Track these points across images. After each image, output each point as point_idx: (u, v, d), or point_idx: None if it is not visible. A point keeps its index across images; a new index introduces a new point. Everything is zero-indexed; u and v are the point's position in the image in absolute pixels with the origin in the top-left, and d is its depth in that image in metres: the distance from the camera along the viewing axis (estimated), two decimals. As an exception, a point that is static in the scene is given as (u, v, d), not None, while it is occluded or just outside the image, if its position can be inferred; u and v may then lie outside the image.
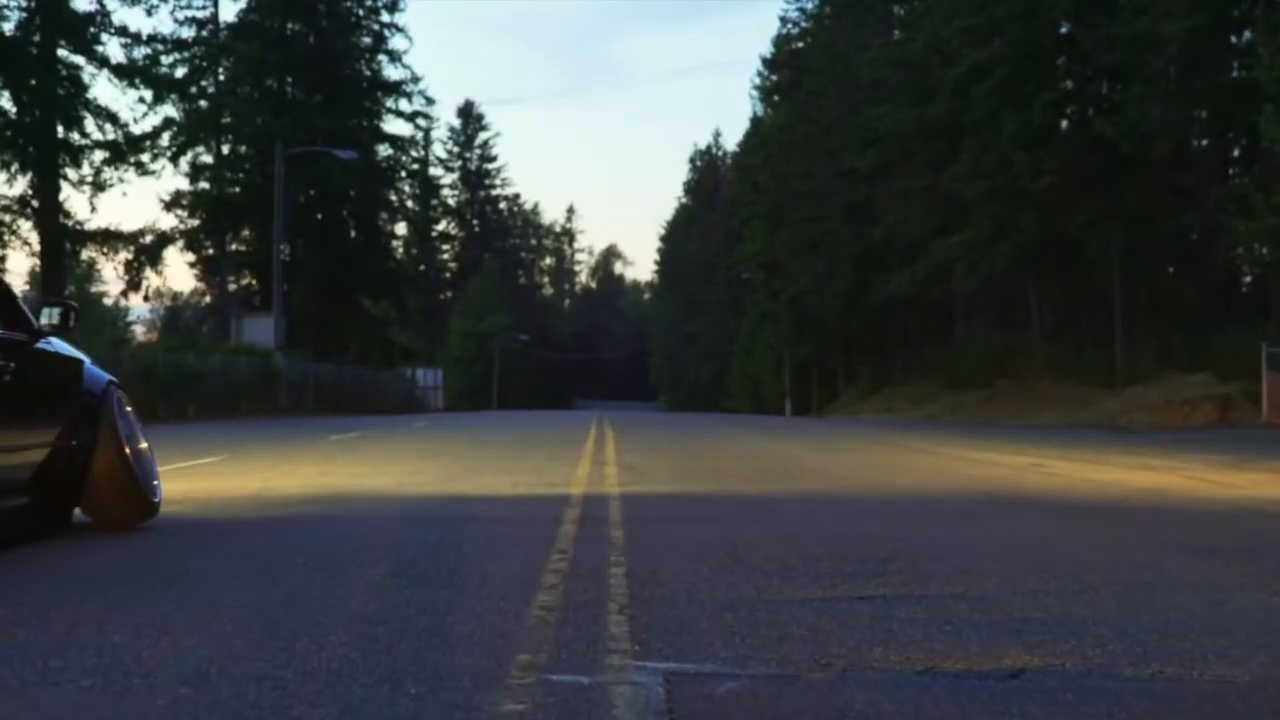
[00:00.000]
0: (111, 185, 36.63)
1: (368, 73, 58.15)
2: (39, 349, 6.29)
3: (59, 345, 6.55)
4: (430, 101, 61.56)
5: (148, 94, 37.32)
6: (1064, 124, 39.76)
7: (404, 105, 59.10)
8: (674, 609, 3.98)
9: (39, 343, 6.30)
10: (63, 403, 6.37)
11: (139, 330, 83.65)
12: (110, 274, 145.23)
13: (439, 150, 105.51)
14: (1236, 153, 37.93)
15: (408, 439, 18.33)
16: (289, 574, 4.77)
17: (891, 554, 5.33)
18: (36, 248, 35.63)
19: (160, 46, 38.93)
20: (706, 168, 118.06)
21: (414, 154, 66.67)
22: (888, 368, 58.31)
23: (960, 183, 40.07)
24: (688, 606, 4.02)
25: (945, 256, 42.14)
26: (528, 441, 17.11)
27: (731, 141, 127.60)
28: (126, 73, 36.75)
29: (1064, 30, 38.73)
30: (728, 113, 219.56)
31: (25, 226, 35.74)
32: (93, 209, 53.15)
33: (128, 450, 6.55)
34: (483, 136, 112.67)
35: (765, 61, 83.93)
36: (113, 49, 47.81)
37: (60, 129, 35.83)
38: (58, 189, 35.73)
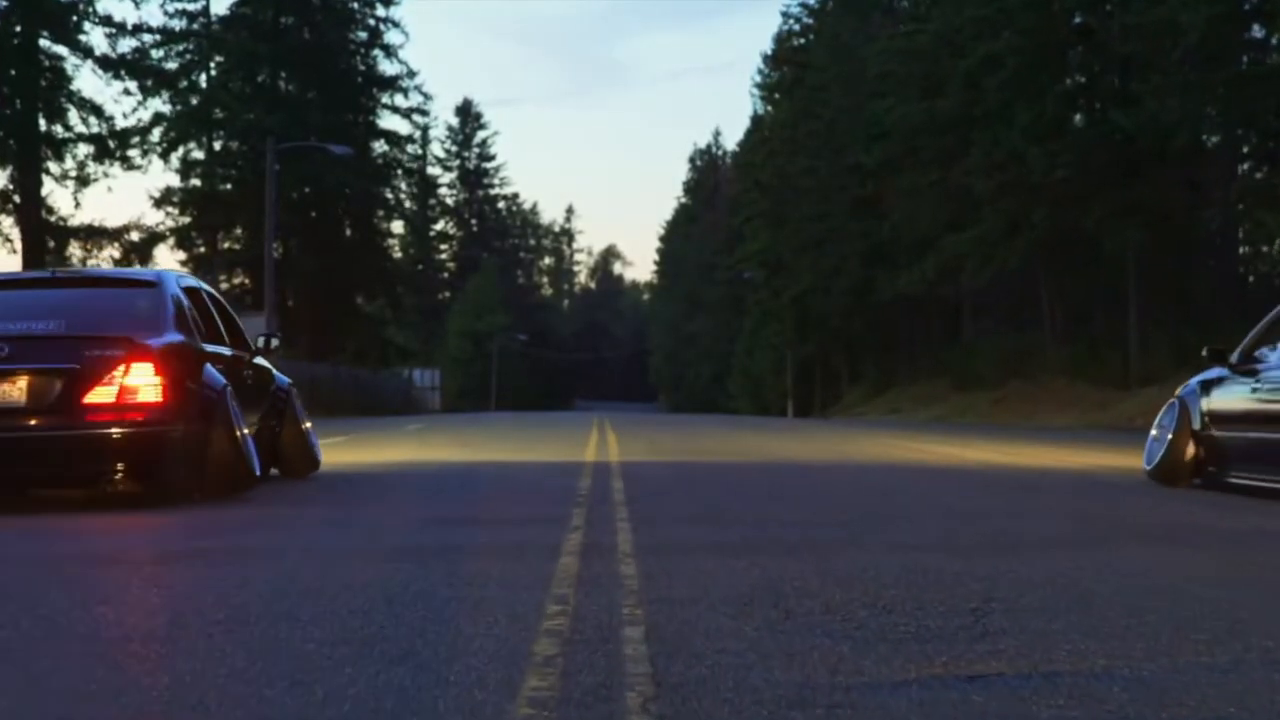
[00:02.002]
0: (96, 180, 35.51)
1: (363, 68, 56.96)
2: (255, 361, 10.13)
3: (260, 360, 10.31)
4: (427, 97, 60.39)
5: (134, 86, 36.09)
6: (1078, 117, 38.76)
7: (400, 101, 57.95)
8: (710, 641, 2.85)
9: (254, 358, 10.15)
10: (266, 396, 10.16)
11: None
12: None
13: (437, 149, 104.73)
14: (1246, 149, 36.85)
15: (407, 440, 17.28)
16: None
17: (984, 597, 4.21)
18: (17, 244, 34.45)
19: (147, 37, 37.76)
20: (706, 167, 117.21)
21: (411, 151, 65.44)
22: (893, 368, 57.23)
23: (971, 177, 39.16)
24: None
25: (955, 253, 41.20)
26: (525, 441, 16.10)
27: (731, 141, 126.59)
28: (112, 64, 35.59)
29: (1078, 20, 37.67)
30: (728, 113, 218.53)
31: (6, 222, 34.64)
32: (77, 204, 51.81)
33: (302, 427, 10.57)
34: (481, 135, 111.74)
35: (766, 59, 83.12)
36: (98, 40, 46.85)
37: (42, 121, 34.68)
38: (40, 183, 34.56)
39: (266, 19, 52.19)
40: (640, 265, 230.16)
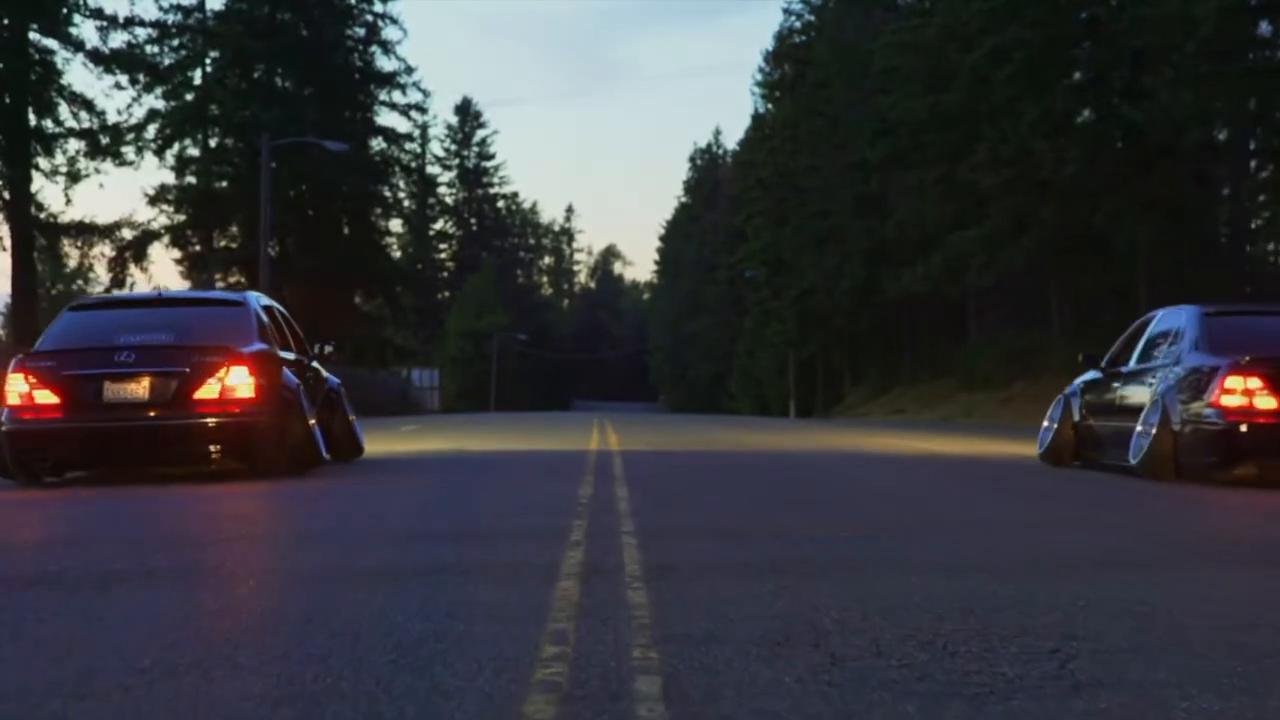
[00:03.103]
0: (87, 176, 34.78)
1: (360, 64, 56.21)
2: (313, 365, 12.10)
3: (315, 363, 12.37)
4: (425, 94, 59.66)
5: (126, 81, 35.40)
6: (1086, 112, 38.06)
7: (398, 98, 57.15)
8: None
9: (312, 361, 12.17)
10: (322, 393, 12.02)
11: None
12: (103, 271, 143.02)
13: (436, 148, 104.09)
14: (1252, 145, 36.18)
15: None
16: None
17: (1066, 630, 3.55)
18: (7, 241, 33.74)
19: (140, 31, 37.06)
20: (707, 166, 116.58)
21: (409, 149, 64.59)
22: (897, 368, 56.52)
23: (977, 173, 38.42)
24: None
25: (961, 251, 40.47)
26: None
27: (732, 140, 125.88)
28: (103, 58, 34.89)
29: (1086, 13, 36.96)
30: (727, 114, 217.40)
31: (-5, 219, 33.92)
32: (68, 200, 51.06)
33: (350, 419, 12.77)
34: (480, 134, 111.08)
35: (767, 57, 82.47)
36: (89, 33, 46.18)
37: (32, 116, 33.97)
38: (29, 179, 33.84)
39: (262, 14, 51.45)
40: (640, 265, 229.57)
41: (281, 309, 12.03)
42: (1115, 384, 11.84)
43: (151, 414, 9.83)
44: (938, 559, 5.24)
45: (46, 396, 9.90)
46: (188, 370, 9.89)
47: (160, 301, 11.60)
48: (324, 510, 7.64)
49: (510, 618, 3.85)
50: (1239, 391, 9.88)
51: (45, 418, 9.90)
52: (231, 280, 53.72)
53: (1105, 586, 4.52)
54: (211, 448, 10.01)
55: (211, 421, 9.87)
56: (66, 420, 9.90)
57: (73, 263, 63.03)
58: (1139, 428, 10.78)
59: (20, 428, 9.90)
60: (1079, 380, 12.73)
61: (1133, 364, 11.68)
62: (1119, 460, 11.08)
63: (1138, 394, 11.23)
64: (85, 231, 34.83)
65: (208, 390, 9.87)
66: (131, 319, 10.70)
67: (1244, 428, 9.75)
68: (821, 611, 3.95)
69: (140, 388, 9.87)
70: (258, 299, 11.33)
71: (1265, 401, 9.80)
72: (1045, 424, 12.98)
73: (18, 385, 9.96)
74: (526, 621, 3.77)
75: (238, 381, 9.91)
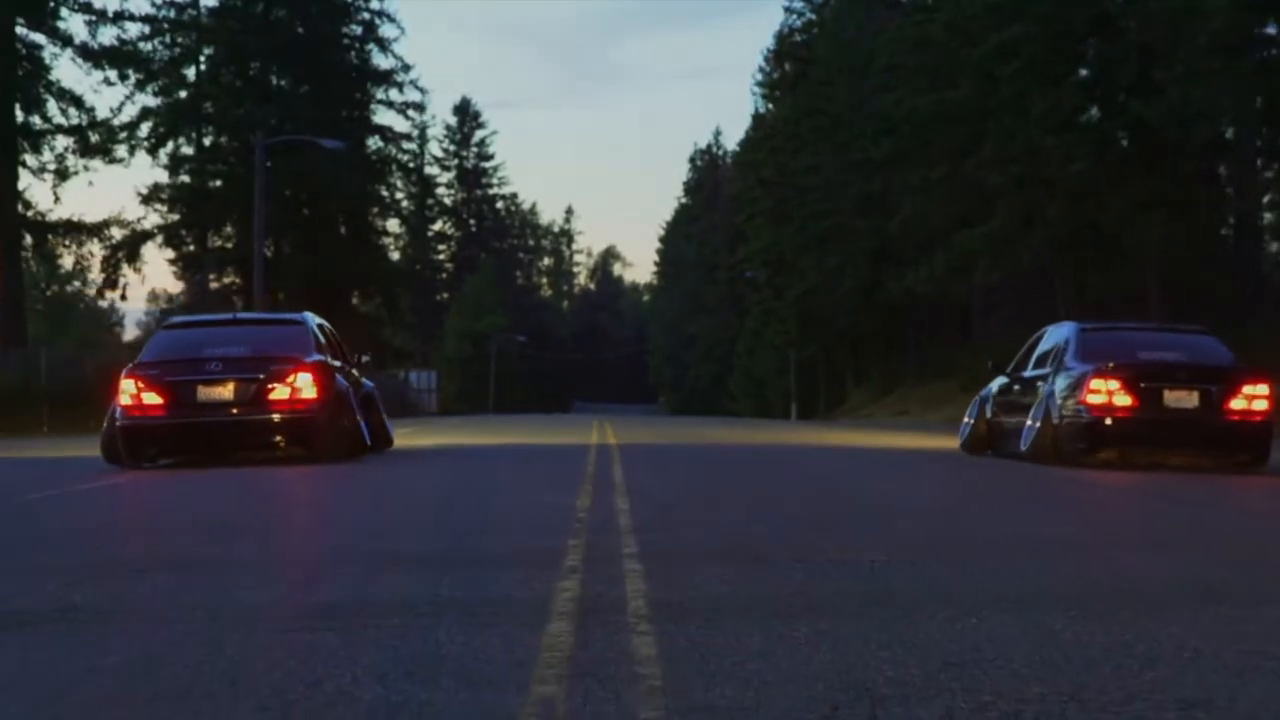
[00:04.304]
0: (76, 173, 34.08)
1: (357, 61, 55.47)
2: (353, 371, 14.26)
3: (355, 371, 14.45)
4: (423, 92, 58.88)
5: (115, 76, 34.66)
6: (1094, 110, 37.36)
7: (395, 96, 56.40)
8: None
9: (353, 369, 14.32)
10: (362, 394, 14.11)
11: (136, 333, 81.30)
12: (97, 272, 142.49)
13: (435, 149, 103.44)
14: (1259, 142, 35.47)
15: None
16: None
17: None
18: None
19: (130, 26, 36.33)
20: (707, 167, 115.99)
21: (407, 147, 63.80)
22: (900, 368, 55.77)
23: (983, 171, 37.69)
24: None
25: (966, 250, 39.75)
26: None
27: (732, 141, 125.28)
28: (92, 54, 34.15)
29: (1095, 7, 36.23)
30: (727, 115, 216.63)
31: (-20, 217, 33.15)
32: (56, 199, 50.37)
33: (383, 417, 14.84)
34: (479, 135, 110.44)
35: (768, 56, 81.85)
36: (78, 28, 45.48)
37: (19, 112, 33.23)
38: (16, 176, 33.08)
39: (257, 10, 50.70)
40: (640, 266, 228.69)
41: (330, 327, 14.32)
42: (1015, 387, 14.24)
43: (234, 411, 12.30)
44: (995, 588, 4.49)
45: (152, 398, 12.26)
46: (263, 376, 12.33)
47: (236, 321, 14.78)
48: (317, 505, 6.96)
49: (485, 678, 3.08)
50: (1103, 392, 12.17)
51: (151, 415, 12.26)
52: (226, 281, 53.02)
53: (1209, 627, 3.77)
54: (279, 438, 12.50)
55: (281, 417, 12.34)
56: (168, 417, 12.28)
57: (68, 264, 62.44)
58: (1029, 422, 13.21)
59: (132, 423, 12.23)
60: (994, 382, 15.09)
61: (1028, 371, 14.07)
62: (1015, 449, 13.45)
63: (1030, 395, 13.54)
64: (73, 230, 34.11)
65: (279, 392, 12.32)
66: (214, 335, 13.30)
67: (1108, 421, 12.14)
68: (873, 668, 3.19)
69: (226, 390, 12.34)
70: (313, 319, 13.82)
71: (1123, 399, 12.17)
72: (966, 420, 15.58)
73: (129, 389, 12.27)
74: (505, 685, 3.01)
75: (303, 385, 12.35)
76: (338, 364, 13.46)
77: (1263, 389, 12.35)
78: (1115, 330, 14.00)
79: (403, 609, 4.03)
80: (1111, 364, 12.17)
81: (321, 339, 13.38)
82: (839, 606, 4.08)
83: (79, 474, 11.72)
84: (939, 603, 4.15)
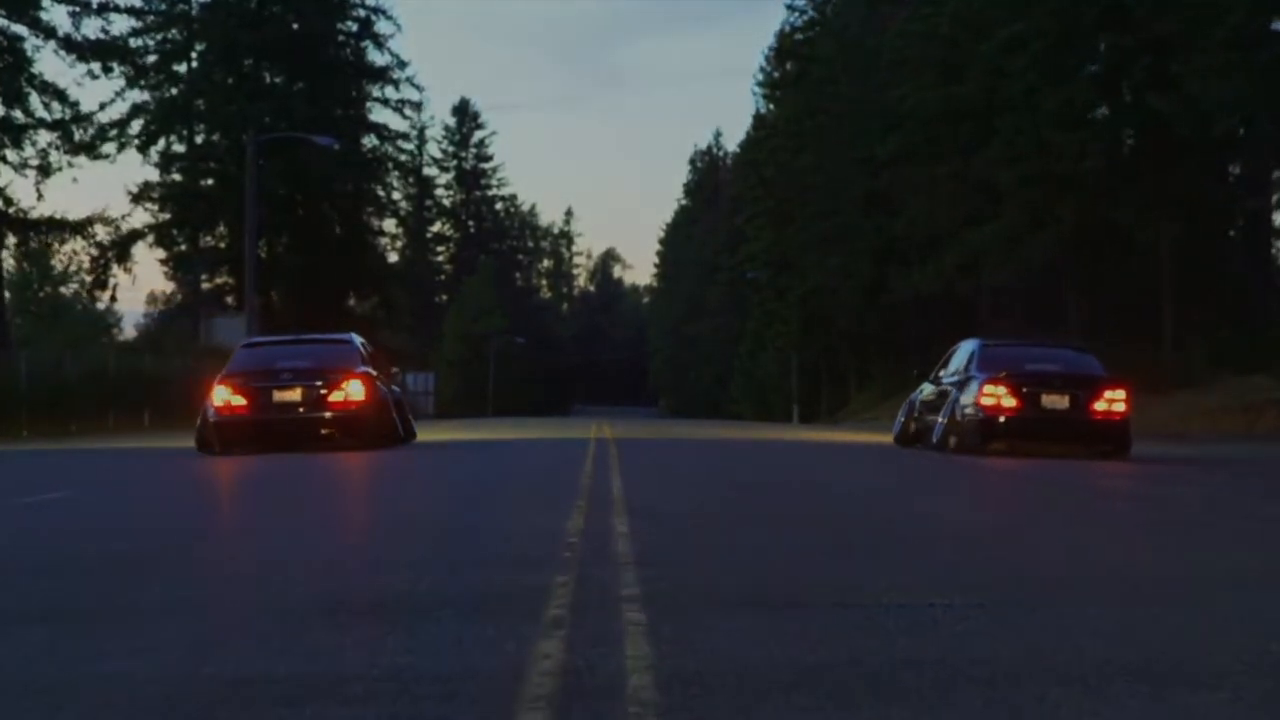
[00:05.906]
0: (59, 169, 33.18)
1: (352, 58, 54.51)
2: (388, 379, 18.44)
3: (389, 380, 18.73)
4: (419, 89, 57.96)
5: (100, 70, 33.72)
6: (1104, 107, 36.50)
7: (390, 93, 55.45)
8: None
9: (388, 378, 18.27)
10: (394, 398, 17.78)
11: (133, 334, 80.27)
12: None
13: (434, 150, 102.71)
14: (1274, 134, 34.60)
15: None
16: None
17: None
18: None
19: (115, 18, 35.44)
20: (707, 168, 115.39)
21: (403, 146, 62.86)
22: (905, 370, 54.82)
23: (992, 168, 36.94)
24: None
25: (974, 249, 39.01)
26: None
27: (732, 142, 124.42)
28: (76, 46, 33.23)
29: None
30: (728, 117, 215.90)
31: (-41, 214, 32.24)
32: (39, 195, 49.38)
33: (409, 417, 18.68)
34: (479, 135, 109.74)
35: (769, 56, 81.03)
36: (61, 19, 44.67)
37: (0, 106, 32.31)
38: (-4, 172, 32.21)
39: (250, 6, 49.73)
40: (640, 268, 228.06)
41: (366, 342, 17.88)
42: (933, 390, 17.31)
43: (301, 411, 15.82)
44: (1107, 650, 3.50)
45: (238, 400, 15.72)
46: (321, 383, 15.86)
47: (299, 340, 18.87)
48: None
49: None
50: (993, 395, 15.21)
51: (237, 414, 15.68)
52: (218, 281, 52.10)
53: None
54: (329, 431, 15.90)
55: (336, 415, 15.88)
56: (251, 415, 15.68)
57: (60, 265, 61.51)
58: (939, 420, 16.31)
59: (223, 420, 15.69)
60: (925, 384, 18.08)
61: (944, 377, 17.12)
62: (930, 442, 16.52)
63: (941, 398, 16.58)
64: (56, 227, 33.19)
65: (336, 395, 15.86)
66: (284, 351, 17.25)
67: (1000, 419, 15.16)
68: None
69: (296, 394, 15.87)
70: (357, 339, 17.70)
71: (1009, 401, 15.20)
72: (899, 418, 19.03)
73: (221, 393, 15.74)
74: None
75: (354, 390, 15.89)
76: (376, 374, 16.76)
77: (1121, 394, 15.18)
78: (1010, 346, 17.28)
79: (325, 693, 3.05)
80: (1003, 373, 15.29)
81: (365, 354, 16.94)
82: (908, 683, 3.08)
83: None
84: (1044, 673, 3.17)
